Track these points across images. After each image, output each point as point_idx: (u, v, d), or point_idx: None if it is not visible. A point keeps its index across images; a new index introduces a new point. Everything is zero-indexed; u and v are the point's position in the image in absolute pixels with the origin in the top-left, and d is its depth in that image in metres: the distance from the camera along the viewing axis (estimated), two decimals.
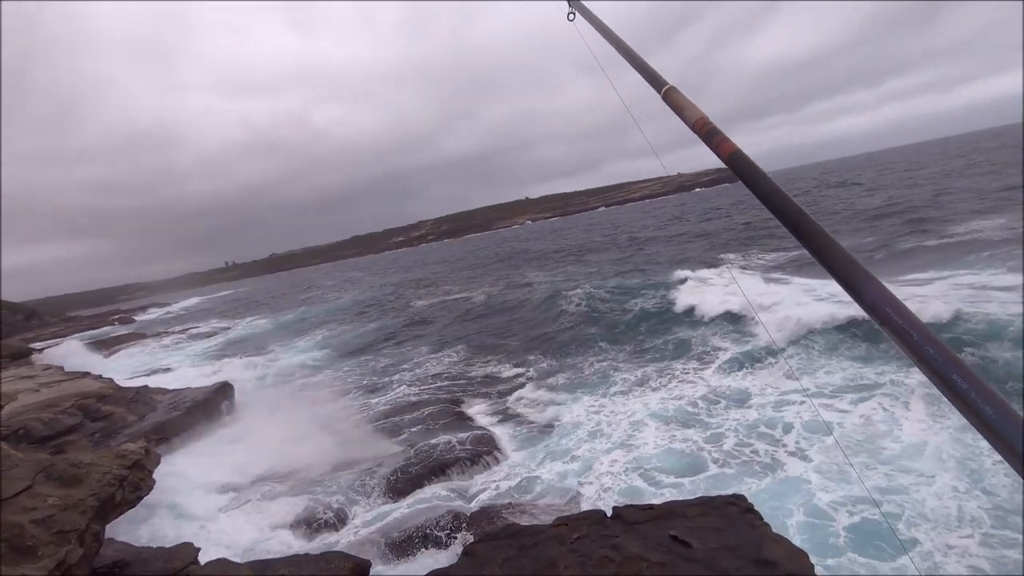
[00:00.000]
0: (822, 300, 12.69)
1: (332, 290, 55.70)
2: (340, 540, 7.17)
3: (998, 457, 0.66)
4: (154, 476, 6.21)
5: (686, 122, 1.39)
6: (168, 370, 23.20)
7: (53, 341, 47.39)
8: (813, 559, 4.53)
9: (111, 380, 15.14)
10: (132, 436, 10.45)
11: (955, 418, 6.99)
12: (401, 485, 8.35)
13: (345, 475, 9.02)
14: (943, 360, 0.73)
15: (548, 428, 10.13)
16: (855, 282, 0.86)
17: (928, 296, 11.66)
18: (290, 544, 7.23)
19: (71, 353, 30.72)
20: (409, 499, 8.05)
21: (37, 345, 40.46)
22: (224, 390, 13.97)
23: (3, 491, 4.52)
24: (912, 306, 0.79)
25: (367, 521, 7.62)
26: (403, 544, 6.87)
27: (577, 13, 2.31)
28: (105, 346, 37.46)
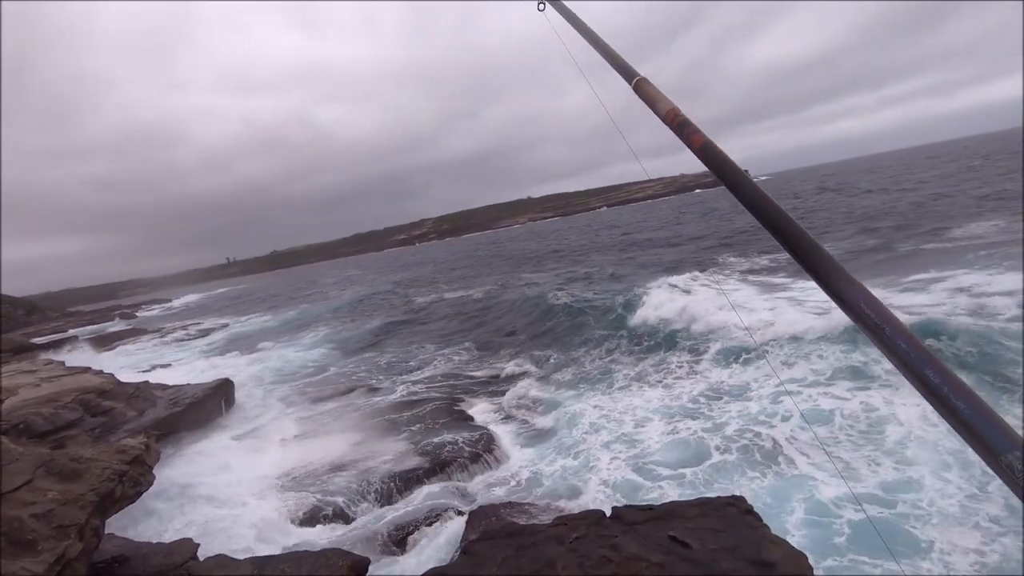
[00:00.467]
0: (807, 310, 12.72)
1: (333, 287, 55.73)
2: (339, 537, 7.17)
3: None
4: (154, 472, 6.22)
5: (657, 114, 1.38)
6: (169, 366, 23.23)
7: (55, 336, 47.53)
8: (814, 559, 4.55)
9: (111, 375, 15.16)
10: (132, 431, 10.46)
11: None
12: (401, 483, 8.36)
13: (345, 472, 9.03)
14: (916, 356, 0.73)
15: (547, 426, 10.14)
16: (826, 275, 0.86)
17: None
18: (290, 539, 7.23)
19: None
20: (409, 497, 8.06)
21: (41, 340, 40.56)
22: (224, 387, 13.98)
23: (3, 485, 4.53)
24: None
25: (366, 519, 7.62)
26: (402, 542, 6.88)
27: (547, 3, 2.27)
28: (105, 341, 37.55)
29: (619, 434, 9.03)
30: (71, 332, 51.33)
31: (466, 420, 10.83)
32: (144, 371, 21.97)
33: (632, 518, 4.74)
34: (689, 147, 1.24)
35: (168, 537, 6.61)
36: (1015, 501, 5.58)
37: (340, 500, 8.08)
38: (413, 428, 10.61)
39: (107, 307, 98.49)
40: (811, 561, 5.21)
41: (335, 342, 22.90)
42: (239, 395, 14.72)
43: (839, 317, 10.49)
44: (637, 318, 14.99)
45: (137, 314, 72.63)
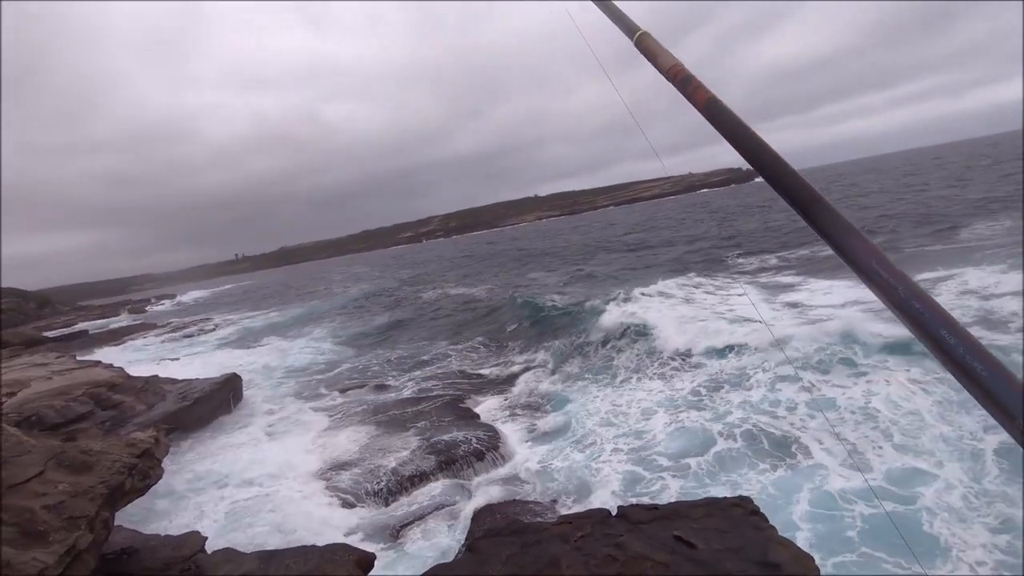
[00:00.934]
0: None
1: (341, 284, 55.97)
2: (344, 531, 7.21)
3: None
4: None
5: (659, 69, 1.34)
6: (177, 360, 23.41)
7: (66, 330, 48.06)
8: (823, 553, 4.55)
9: (121, 369, 15.31)
10: (141, 425, 10.56)
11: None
12: (407, 479, 8.39)
13: (351, 468, 9.08)
14: (931, 316, 0.70)
15: (552, 421, 10.16)
16: (836, 235, 0.84)
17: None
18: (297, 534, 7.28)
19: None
20: (414, 493, 8.09)
21: (53, 333, 41.01)
22: (232, 382, 14.08)
23: (15, 476, 4.59)
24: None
25: (372, 514, 7.66)
26: (407, 538, 6.91)
27: None
28: (115, 336, 37.91)
29: (624, 428, 9.11)
30: (81, 326, 51.87)
31: (472, 417, 10.85)
32: (153, 365, 22.17)
33: (637, 517, 4.73)
34: (693, 104, 1.18)
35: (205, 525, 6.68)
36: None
37: (346, 494, 8.14)
38: (419, 425, 10.64)
39: (117, 302, 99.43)
40: (822, 555, 5.28)
41: (343, 338, 23.02)
42: (248, 390, 14.84)
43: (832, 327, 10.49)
44: (634, 318, 15.04)
45: (147, 309, 73.24)
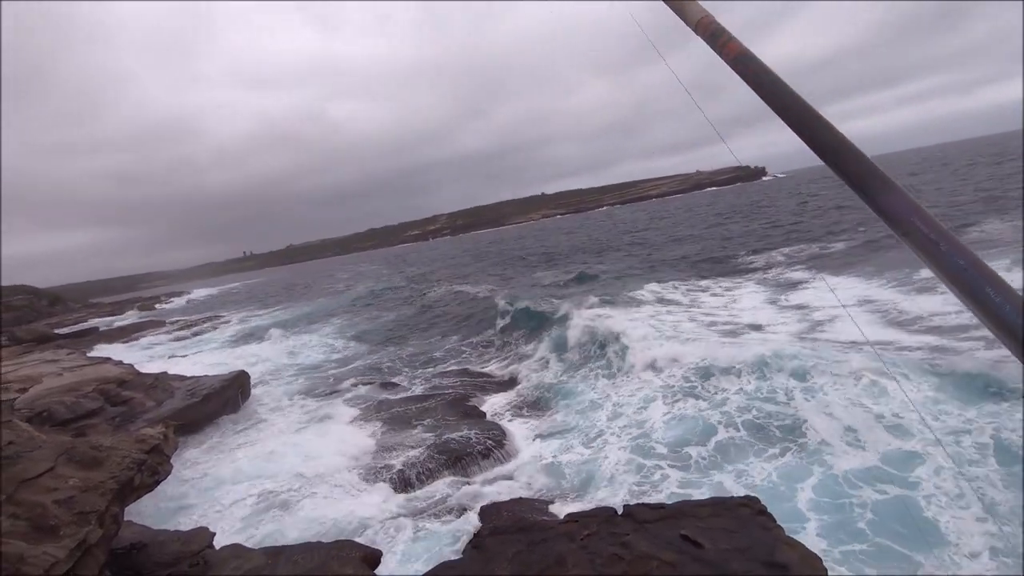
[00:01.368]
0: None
1: (348, 282, 56.17)
2: (352, 529, 7.24)
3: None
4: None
5: (688, 23, 1.30)
6: (186, 357, 23.60)
7: (77, 327, 48.54)
8: (831, 543, 4.53)
9: (131, 366, 15.46)
10: (151, 421, 10.66)
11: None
12: (412, 477, 8.42)
13: (357, 466, 9.12)
14: (976, 274, 0.66)
15: (556, 419, 10.18)
16: (872, 186, 0.80)
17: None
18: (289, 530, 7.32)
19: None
20: (420, 491, 8.11)
21: (64, 330, 41.43)
22: (240, 379, 14.17)
23: (27, 471, 4.64)
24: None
25: (378, 512, 7.68)
26: (413, 535, 6.92)
27: None
28: (125, 333, 38.25)
29: (626, 421, 9.19)
30: (92, 323, 52.39)
31: (477, 415, 10.87)
32: (163, 362, 22.35)
33: (643, 516, 4.72)
34: (723, 58, 1.14)
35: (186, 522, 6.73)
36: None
37: (353, 491, 8.17)
38: (425, 422, 10.67)
39: (127, 299, 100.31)
40: (830, 542, 5.32)
41: (349, 335, 23.12)
42: (257, 388, 14.94)
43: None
44: (629, 319, 15.14)
45: (156, 306, 73.84)
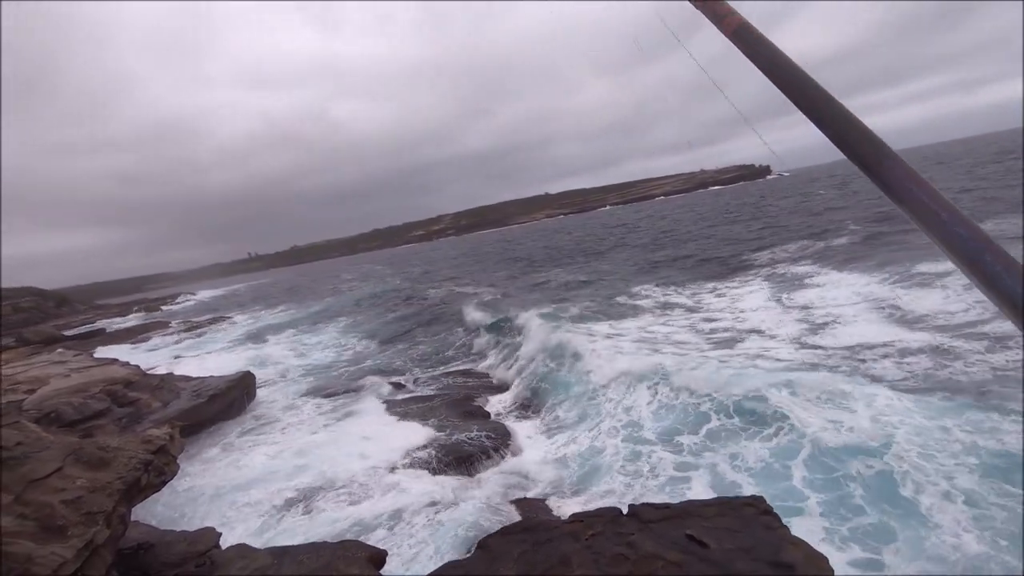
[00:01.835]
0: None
1: (353, 282, 56.33)
2: (357, 529, 7.26)
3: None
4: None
5: None
6: (193, 358, 23.70)
7: (83, 328, 48.86)
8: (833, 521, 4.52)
9: (137, 367, 15.54)
10: (157, 422, 10.71)
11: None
12: (417, 476, 8.44)
13: (362, 464, 9.15)
14: (975, 243, 0.66)
15: (560, 416, 10.20)
16: (870, 157, 0.79)
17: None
18: (307, 531, 7.35)
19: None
20: (425, 490, 8.12)
21: (71, 332, 41.69)
22: (246, 379, 14.22)
23: (35, 472, 4.68)
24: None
25: (384, 512, 7.70)
26: (418, 535, 6.93)
27: None
28: (132, 334, 38.47)
29: (634, 418, 9.21)
30: (99, 324, 52.72)
31: (482, 416, 10.90)
32: (169, 362, 22.47)
33: (649, 516, 4.71)
34: (722, 30, 1.10)
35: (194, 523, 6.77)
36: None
37: (357, 491, 8.19)
38: (431, 421, 10.69)
39: (133, 300, 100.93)
40: (831, 521, 5.40)
41: (354, 335, 23.20)
42: (264, 388, 15.01)
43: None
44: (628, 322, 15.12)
45: (162, 307, 74.25)
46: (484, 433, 9.64)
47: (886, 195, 0.77)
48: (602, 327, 15.22)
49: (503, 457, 8.99)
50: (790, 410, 7.59)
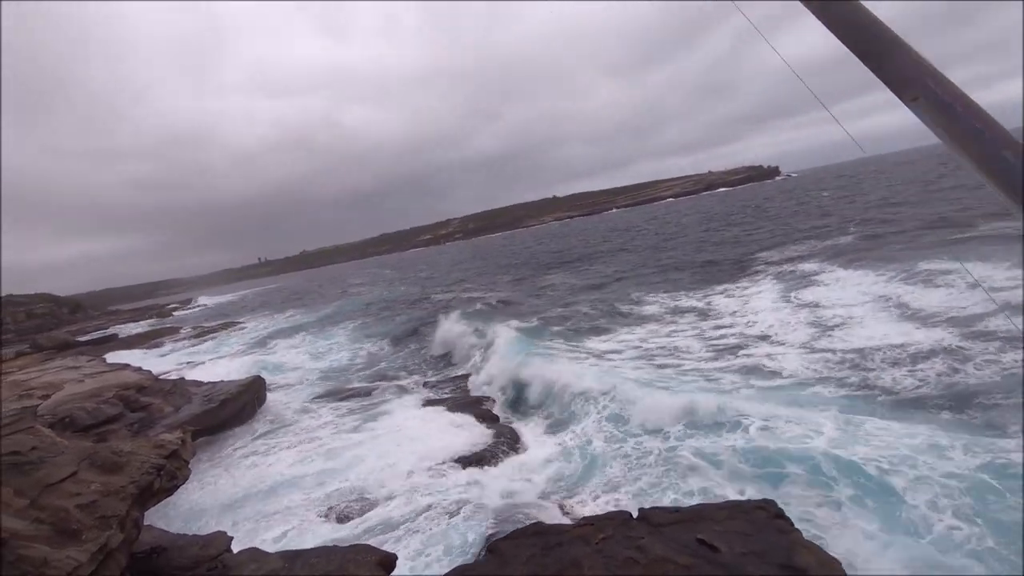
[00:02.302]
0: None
1: (362, 286, 56.61)
2: (366, 533, 7.27)
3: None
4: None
5: None
6: (204, 363, 23.90)
7: (97, 334, 49.45)
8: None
9: (149, 372, 15.70)
10: (169, 427, 10.81)
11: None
12: (426, 480, 8.44)
13: (372, 468, 9.18)
14: (992, 136, 0.62)
15: (570, 418, 10.17)
16: (878, 52, 0.73)
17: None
18: (317, 534, 7.38)
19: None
20: (435, 494, 8.12)
21: (85, 337, 42.17)
22: (256, 384, 14.32)
23: (51, 476, 4.73)
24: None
25: (394, 515, 7.71)
26: (428, 539, 6.94)
27: None
28: (144, 339, 38.88)
29: (639, 417, 9.16)
30: (112, 330, 53.32)
31: (491, 419, 10.89)
32: (180, 367, 22.67)
33: (659, 519, 4.69)
34: None
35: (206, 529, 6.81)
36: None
37: (367, 495, 8.22)
38: (439, 423, 10.72)
39: (145, 306, 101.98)
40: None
41: (363, 339, 23.30)
42: (275, 392, 15.11)
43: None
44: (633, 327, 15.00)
45: (174, 313, 74.97)
46: (493, 434, 9.67)
47: (896, 94, 0.72)
48: (593, 343, 14.94)
49: (511, 456, 9.01)
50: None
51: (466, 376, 14.68)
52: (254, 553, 5.70)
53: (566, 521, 6.46)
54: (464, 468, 8.71)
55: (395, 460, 9.32)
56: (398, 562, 5.63)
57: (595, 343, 14.97)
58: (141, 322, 65.07)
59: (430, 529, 7.13)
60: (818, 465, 6.38)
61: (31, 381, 13.77)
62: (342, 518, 7.81)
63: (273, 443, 11.34)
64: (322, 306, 41.98)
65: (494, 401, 12.18)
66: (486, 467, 8.75)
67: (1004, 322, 9.59)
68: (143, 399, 12.63)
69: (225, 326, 39.37)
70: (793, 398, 8.68)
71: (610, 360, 12.83)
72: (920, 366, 8.99)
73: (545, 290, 27.23)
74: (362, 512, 7.87)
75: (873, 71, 0.73)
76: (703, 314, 15.83)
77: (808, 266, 18.75)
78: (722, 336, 13.16)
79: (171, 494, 5.95)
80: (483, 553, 5.25)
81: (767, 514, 4.59)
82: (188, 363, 24.56)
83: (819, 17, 0.80)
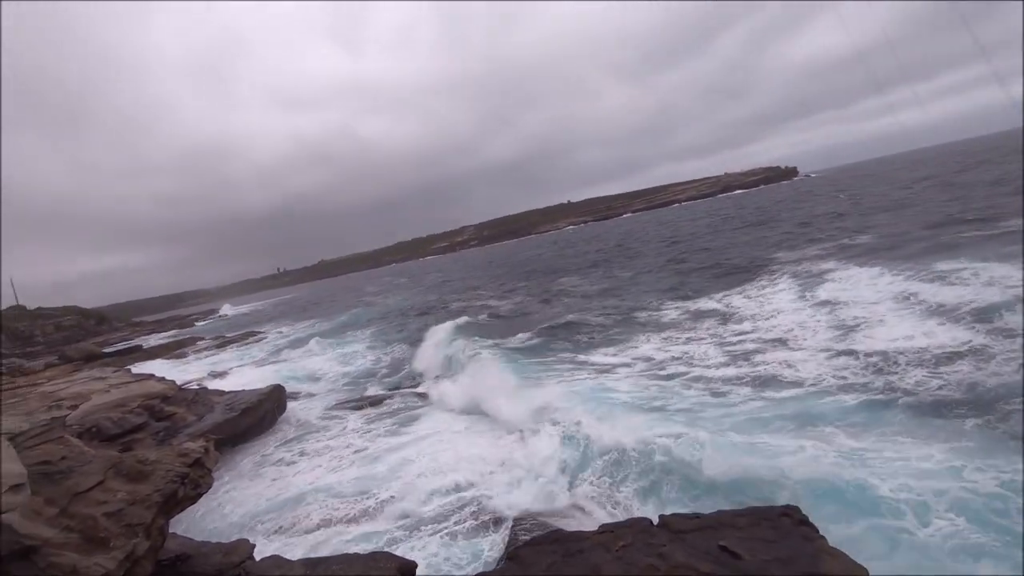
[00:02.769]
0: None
1: (379, 295, 57.06)
2: (388, 541, 7.30)
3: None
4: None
5: None
6: (226, 373, 24.25)
7: (122, 345, 50.49)
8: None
9: (173, 382, 15.96)
10: (192, 435, 10.99)
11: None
12: (445, 487, 8.46)
13: (379, 467, 9.24)
14: None
15: (569, 419, 10.10)
16: None
17: None
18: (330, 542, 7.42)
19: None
20: (453, 501, 8.13)
21: (110, 349, 43.06)
22: (277, 393, 14.50)
23: (79, 485, 4.84)
24: None
25: (413, 522, 7.74)
26: (447, 547, 6.94)
27: None
28: (167, 349, 39.57)
29: (648, 419, 9.13)
30: (136, 341, 54.39)
31: (501, 422, 10.89)
32: (202, 377, 23.03)
33: (680, 526, 4.64)
34: None
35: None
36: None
37: (388, 503, 8.25)
38: (457, 429, 10.75)
39: (168, 317, 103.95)
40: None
41: (380, 347, 23.50)
42: (295, 401, 15.29)
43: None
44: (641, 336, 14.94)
45: (196, 323, 76.22)
46: (507, 442, 9.67)
47: None
48: (596, 356, 14.37)
49: (528, 467, 8.96)
50: None
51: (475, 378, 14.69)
52: (276, 560, 5.76)
53: (585, 528, 6.42)
54: (483, 475, 8.71)
55: (416, 466, 9.37)
56: (418, 570, 5.65)
57: (599, 356, 14.34)
58: (164, 333, 66.29)
59: (450, 535, 7.14)
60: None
61: (60, 392, 14.09)
62: (363, 522, 7.86)
63: (296, 449, 11.48)
64: (340, 313, 42.42)
65: (499, 402, 12.16)
66: (502, 473, 8.74)
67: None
68: (167, 408, 12.87)
69: (245, 336, 39.90)
70: (803, 410, 8.49)
71: (616, 374, 12.34)
72: (942, 369, 8.80)
73: (559, 296, 27.16)
74: (382, 518, 7.91)
75: None
76: (724, 317, 15.59)
77: (825, 265, 18.50)
78: (740, 341, 12.91)
79: (195, 502, 6.03)
80: (503, 560, 5.24)
81: (791, 520, 4.51)
82: (210, 373, 24.94)
83: None
